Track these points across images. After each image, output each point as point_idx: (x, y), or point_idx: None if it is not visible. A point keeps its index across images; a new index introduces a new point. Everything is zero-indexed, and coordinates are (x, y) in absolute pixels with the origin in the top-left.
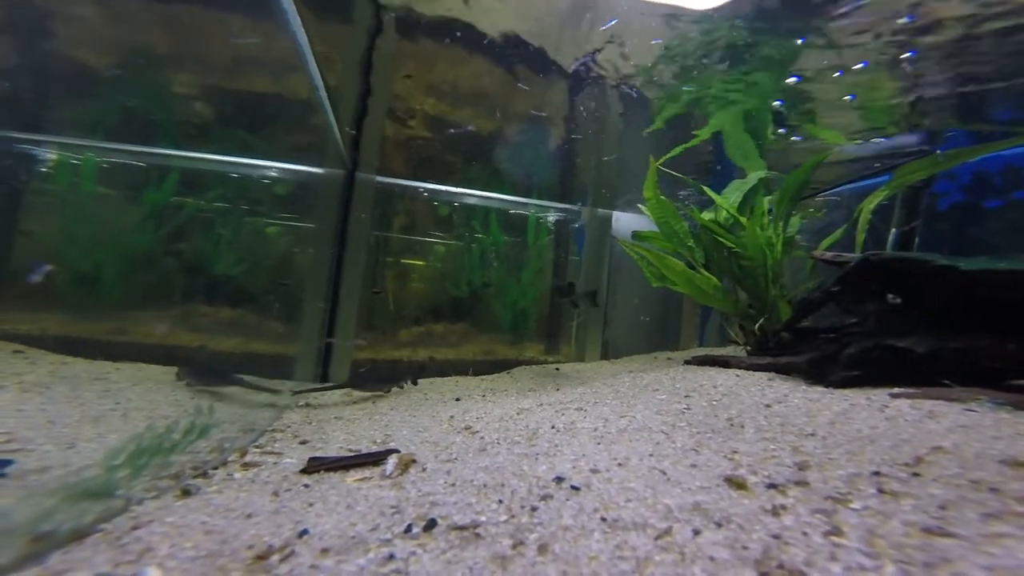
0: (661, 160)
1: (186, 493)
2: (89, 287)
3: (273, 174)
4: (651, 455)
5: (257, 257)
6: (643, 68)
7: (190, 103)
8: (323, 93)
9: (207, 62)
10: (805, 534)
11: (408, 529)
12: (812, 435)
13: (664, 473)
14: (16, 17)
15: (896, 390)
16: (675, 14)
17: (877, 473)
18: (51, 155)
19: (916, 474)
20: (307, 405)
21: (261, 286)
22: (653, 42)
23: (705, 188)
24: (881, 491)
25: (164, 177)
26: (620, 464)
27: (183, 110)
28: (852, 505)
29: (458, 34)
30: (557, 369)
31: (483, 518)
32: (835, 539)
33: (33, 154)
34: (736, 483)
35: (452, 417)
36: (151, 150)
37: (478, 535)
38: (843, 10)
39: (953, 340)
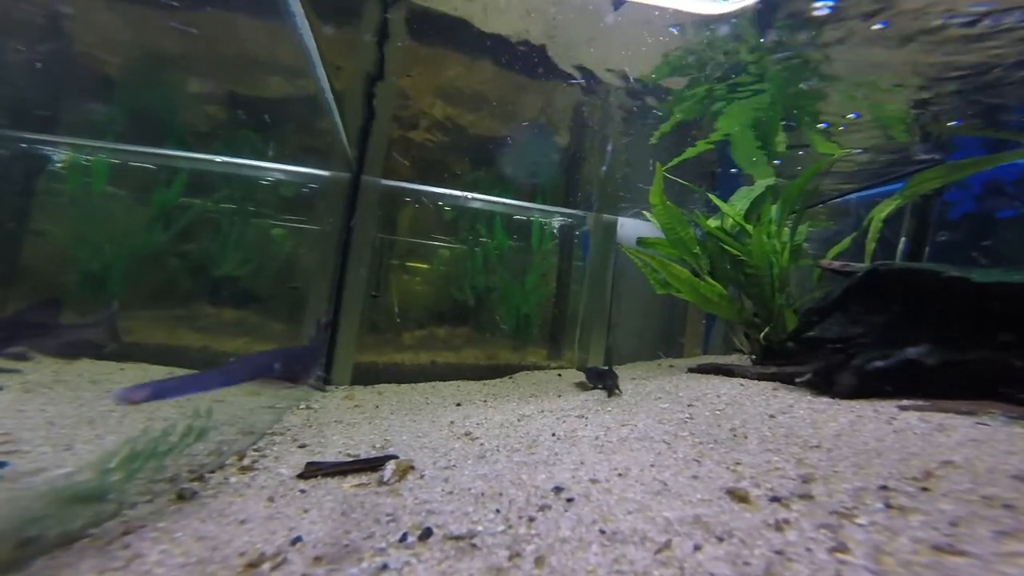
0: (668, 165)
1: (181, 497)
2: (96, 287)
3: (279, 176)
4: (652, 465)
5: (262, 258)
6: (651, 74)
7: (199, 105)
8: (329, 96)
9: (216, 64)
10: (809, 550)
11: (403, 538)
12: (817, 447)
13: (665, 484)
14: (25, 17)
15: (904, 402)
16: (684, 18)
17: (884, 487)
18: (63, 156)
19: (925, 489)
20: (308, 408)
21: (265, 287)
22: (663, 39)
23: (711, 196)
24: (889, 506)
25: (172, 178)
26: (620, 474)
27: (192, 111)
28: (858, 520)
29: (465, 36)
30: (559, 375)
31: (480, 528)
32: (840, 556)
33: (45, 154)
34: (738, 496)
35: (452, 423)
36: (160, 151)
37: (474, 545)
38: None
39: (964, 352)
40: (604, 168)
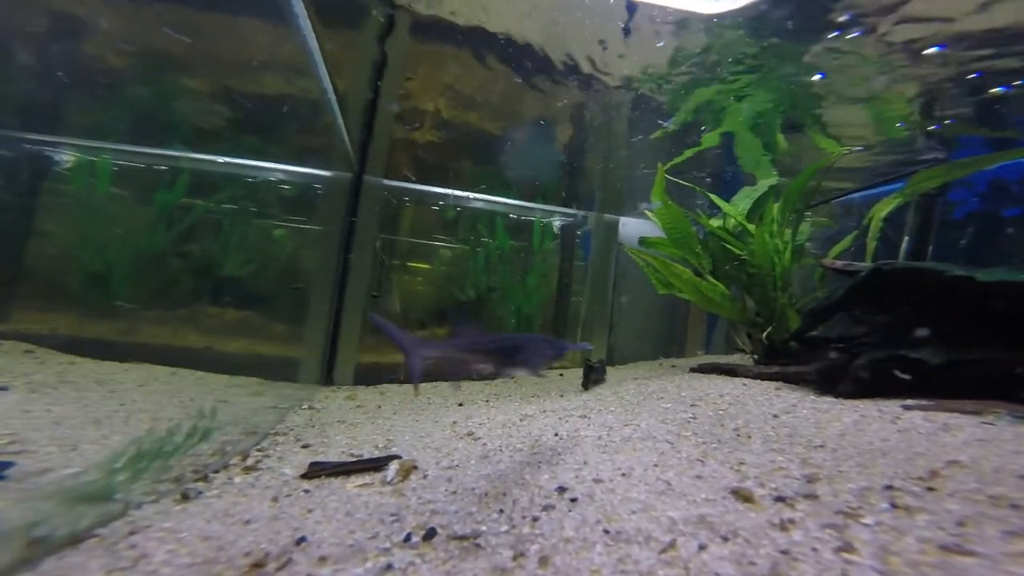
0: (668, 165)
1: (185, 497)
2: (100, 287)
3: (281, 176)
4: (655, 465)
5: (264, 259)
6: (654, 73)
7: (202, 105)
8: (332, 96)
9: (218, 64)
10: (815, 550)
11: (407, 538)
12: (821, 447)
13: (669, 484)
14: (29, 20)
15: (909, 402)
16: (686, 18)
17: (890, 487)
18: (67, 156)
19: (931, 489)
20: (311, 408)
21: (267, 288)
22: (660, 45)
23: (713, 196)
24: (895, 506)
25: (175, 178)
26: (624, 474)
27: (195, 112)
28: (864, 520)
29: (465, 36)
30: (561, 375)
31: (484, 528)
32: (847, 556)
33: (49, 155)
34: (743, 495)
35: (455, 423)
36: (163, 152)
37: (478, 545)
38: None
39: (968, 352)
40: (605, 167)
